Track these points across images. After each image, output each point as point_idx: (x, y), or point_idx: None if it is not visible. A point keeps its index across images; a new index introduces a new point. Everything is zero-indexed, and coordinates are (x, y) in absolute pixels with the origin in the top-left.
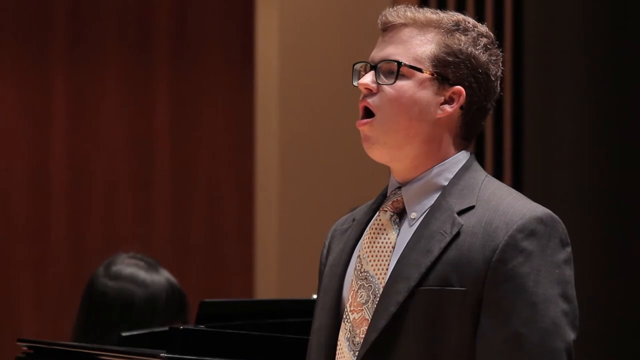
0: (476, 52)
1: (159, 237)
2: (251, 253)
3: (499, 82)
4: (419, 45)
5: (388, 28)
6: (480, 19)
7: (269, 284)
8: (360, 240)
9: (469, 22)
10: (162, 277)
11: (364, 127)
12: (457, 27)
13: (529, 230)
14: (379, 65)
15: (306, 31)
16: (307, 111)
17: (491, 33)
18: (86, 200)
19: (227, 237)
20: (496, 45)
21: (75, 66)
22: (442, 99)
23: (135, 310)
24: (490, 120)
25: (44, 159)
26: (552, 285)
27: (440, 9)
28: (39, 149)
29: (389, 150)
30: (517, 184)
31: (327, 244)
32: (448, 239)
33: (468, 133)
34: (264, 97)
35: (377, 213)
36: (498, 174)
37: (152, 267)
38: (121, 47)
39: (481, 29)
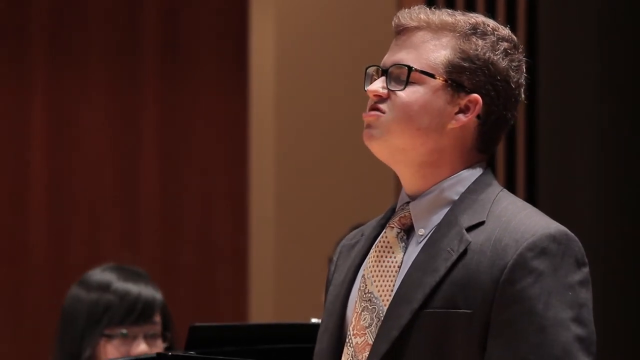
0: (495, 58)
1: (146, 257)
2: (245, 274)
3: (521, 89)
4: (432, 50)
5: (401, 31)
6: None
7: (264, 307)
8: (366, 259)
9: (488, 25)
10: (124, 286)
11: (370, 118)
12: (475, 30)
13: (540, 249)
14: (389, 70)
15: (303, 36)
16: (305, 121)
17: (514, 37)
18: (68, 219)
19: (220, 257)
20: (519, 50)
21: (56, 72)
22: (456, 107)
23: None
24: None
25: (22, 174)
26: (564, 309)
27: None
28: (17, 163)
29: (390, 150)
30: (531, 198)
31: (334, 259)
32: (455, 257)
33: (485, 145)
34: (259, 107)
35: (384, 230)
36: (510, 188)
37: (129, 276)
38: (106, 52)
39: (502, 32)
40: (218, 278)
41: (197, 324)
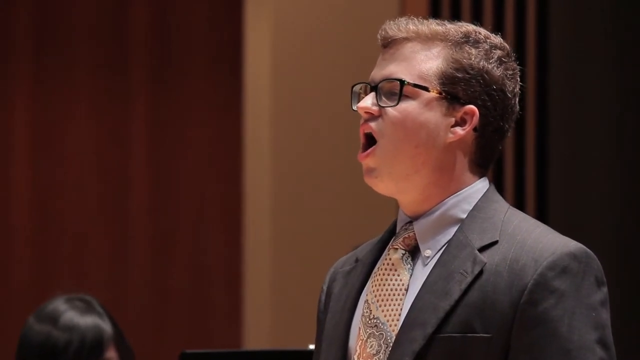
0: (489, 67)
1: (136, 280)
2: (240, 297)
3: (517, 99)
4: (423, 61)
5: (389, 44)
6: (499, 29)
7: (260, 332)
8: (368, 283)
9: (480, 33)
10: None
11: (367, 160)
12: (467, 39)
13: (561, 268)
14: (379, 85)
15: (300, 47)
16: (302, 136)
17: (506, 45)
18: (53, 240)
19: (213, 281)
20: (513, 58)
21: (41, 87)
22: (452, 120)
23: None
24: (510, 143)
25: (4, 195)
26: (588, 330)
27: (454, 20)
28: None
29: (395, 182)
30: (541, 216)
31: (325, 288)
32: (469, 279)
33: (484, 158)
34: (254, 121)
35: (386, 251)
36: (520, 205)
37: (83, 308)
38: (93, 64)
39: (494, 40)
40: (212, 301)
41: (188, 350)
